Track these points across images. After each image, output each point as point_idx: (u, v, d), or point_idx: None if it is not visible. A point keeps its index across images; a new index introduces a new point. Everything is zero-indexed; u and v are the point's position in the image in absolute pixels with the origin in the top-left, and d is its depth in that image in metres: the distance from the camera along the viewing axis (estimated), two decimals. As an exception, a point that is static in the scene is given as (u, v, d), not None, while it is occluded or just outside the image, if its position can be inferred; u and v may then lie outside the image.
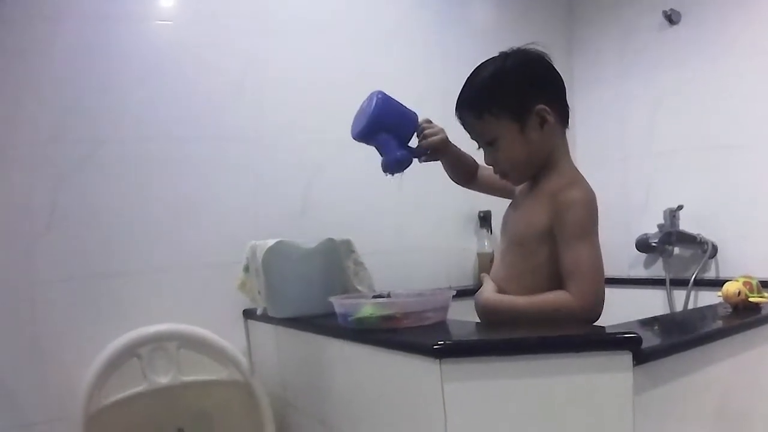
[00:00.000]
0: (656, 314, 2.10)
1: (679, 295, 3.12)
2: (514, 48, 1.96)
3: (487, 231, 3.44)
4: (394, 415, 1.77)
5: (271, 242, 2.26)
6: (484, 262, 3.32)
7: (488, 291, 1.95)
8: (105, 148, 2.52)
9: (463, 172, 2.28)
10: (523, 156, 1.91)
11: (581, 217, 1.79)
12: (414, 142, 2.09)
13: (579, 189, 1.84)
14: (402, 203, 3.13)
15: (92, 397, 2.28)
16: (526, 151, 1.90)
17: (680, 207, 3.16)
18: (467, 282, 3.41)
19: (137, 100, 2.60)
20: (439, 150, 2.13)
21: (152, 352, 2.41)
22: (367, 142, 2.05)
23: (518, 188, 2.13)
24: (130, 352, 2.37)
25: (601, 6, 3.75)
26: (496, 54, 1.96)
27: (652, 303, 3.18)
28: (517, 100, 1.87)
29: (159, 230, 2.61)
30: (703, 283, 3.05)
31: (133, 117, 2.59)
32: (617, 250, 3.36)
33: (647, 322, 1.86)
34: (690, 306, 3.06)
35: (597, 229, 1.82)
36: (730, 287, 2.01)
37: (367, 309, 1.82)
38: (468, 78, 1.98)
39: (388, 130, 2.01)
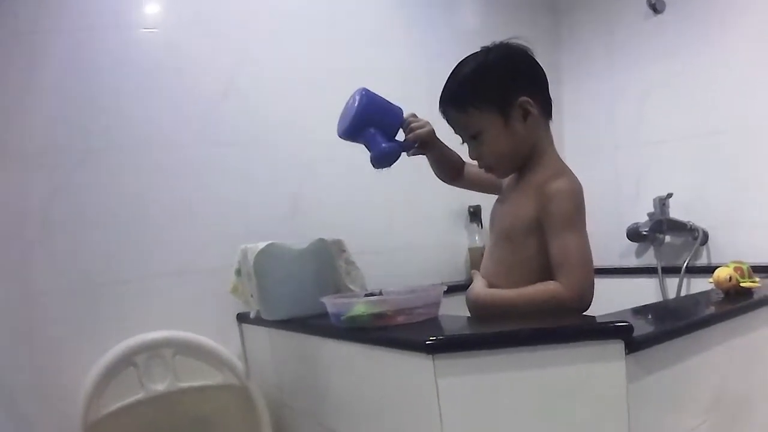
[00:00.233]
0: (648, 302, 2.10)
1: (672, 282, 3.12)
2: (497, 42, 1.97)
3: (478, 225, 3.45)
4: (390, 412, 1.77)
5: (262, 245, 2.25)
6: (476, 257, 3.33)
7: (479, 286, 1.96)
8: (96, 157, 2.51)
9: (449, 169, 2.28)
10: (507, 149, 1.93)
11: (567, 207, 1.80)
12: (401, 137, 2.09)
13: (564, 180, 1.84)
14: (391, 201, 3.13)
15: (90, 406, 2.27)
16: (510, 144, 1.92)
17: (670, 195, 3.17)
18: (459, 277, 3.42)
19: (127, 108, 2.60)
20: (427, 142, 2.12)
21: (148, 359, 2.40)
22: (354, 140, 2.05)
23: (505, 182, 2.14)
24: (127, 360, 2.36)
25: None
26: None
27: (645, 292, 3.18)
28: (499, 93, 1.89)
29: (151, 237, 2.60)
30: (694, 270, 3.06)
31: (123, 125, 2.58)
32: (608, 240, 3.37)
33: (639, 311, 1.86)
34: (682, 293, 3.06)
35: (584, 219, 1.82)
36: (721, 273, 2.02)
37: (359, 308, 1.81)
38: (451, 73, 1.99)
39: (374, 125, 2.01)
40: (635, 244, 3.46)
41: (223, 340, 2.60)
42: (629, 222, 3.35)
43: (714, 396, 1.81)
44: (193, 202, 2.70)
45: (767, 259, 2.67)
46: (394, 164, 2.03)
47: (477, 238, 3.44)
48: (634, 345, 1.44)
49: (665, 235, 3.28)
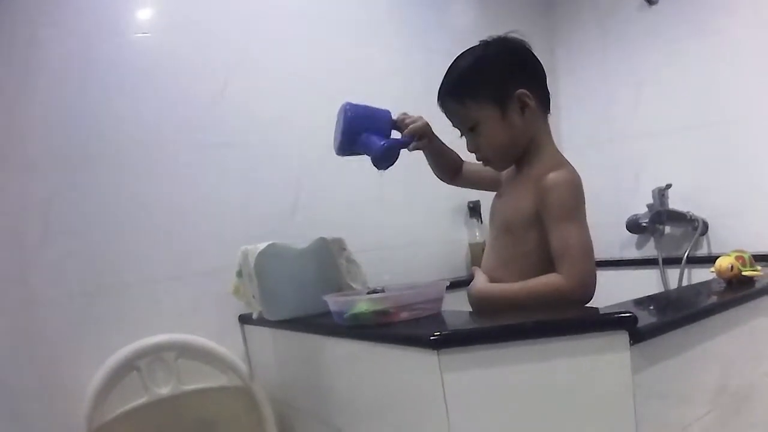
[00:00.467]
0: (650, 294, 2.10)
1: (673, 273, 3.13)
2: (494, 36, 1.98)
3: (478, 221, 3.45)
4: (395, 409, 1.77)
5: (262, 246, 2.25)
6: (476, 252, 3.34)
7: (480, 282, 1.96)
8: (93, 161, 2.49)
9: (448, 167, 2.29)
10: (505, 141, 1.94)
11: (566, 198, 1.80)
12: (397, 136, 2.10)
13: (563, 171, 1.85)
14: (391, 199, 3.13)
15: (94, 412, 2.27)
16: (507, 136, 1.93)
17: (669, 186, 3.17)
18: (460, 273, 3.40)
19: (123, 112, 2.57)
20: (424, 135, 2.12)
21: (151, 363, 2.40)
22: (352, 151, 2.06)
23: (504, 177, 2.15)
24: (129, 365, 2.36)
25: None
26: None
27: (646, 283, 3.19)
28: (497, 85, 1.90)
29: (150, 240, 2.58)
30: (695, 261, 3.06)
31: (119, 129, 2.56)
32: (608, 233, 3.37)
33: (642, 302, 1.86)
34: (684, 284, 3.07)
35: (584, 209, 1.83)
36: (722, 262, 2.01)
37: (362, 305, 1.81)
38: (450, 66, 2.00)
39: (366, 132, 2.01)
40: (635, 236, 3.46)
41: (225, 342, 2.58)
42: (628, 214, 3.36)
43: (719, 385, 1.80)
44: (192, 205, 2.68)
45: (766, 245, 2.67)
46: (396, 163, 2.03)
47: (477, 233, 3.44)
48: (638, 336, 1.44)
49: (665, 226, 3.29)
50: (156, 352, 2.41)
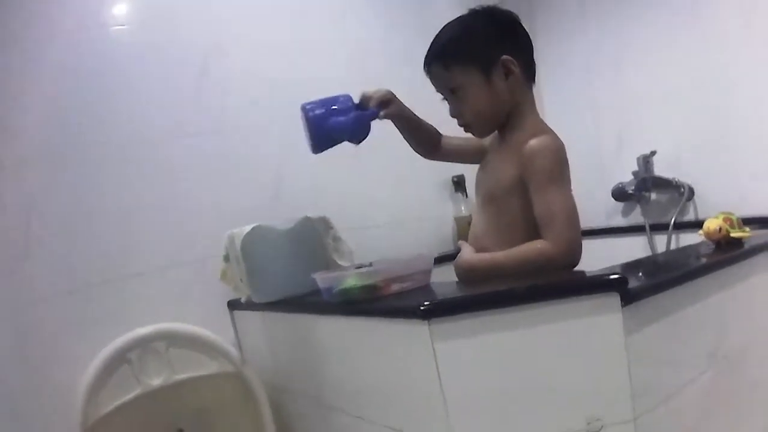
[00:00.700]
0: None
1: (660, 239, 3.12)
2: (483, 6, 2.00)
3: (463, 195, 3.46)
4: (389, 383, 1.76)
5: (248, 228, 2.25)
6: (463, 227, 3.33)
7: (467, 253, 1.97)
8: (77, 159, 2.49)
9: (425, 139, 2.30)
10: (487, 106, 1.95)
11: (549, 164, 1.81)
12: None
13: (545, 137, 1.85)
14: (374, 178, 3.13)
15: (88, 408, 2.26)
16: (490, 101, 1.94)
17: (653, 153, 3.15)
18: (447, 248, 3.40)
19: (101, 107, 2.56)
20: (389, 101, 2.12)
21: (142, 355, 2.39)
22: (328, 143, 2.07)
23: (487, 148, 2.15)
24: (120, 358, 2.35)
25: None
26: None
27: (634, 250, 3.17)
28: (483, 50, 1.91)
29: (136, 233, 2.58)
30: (682, 226, 3.05)
31: (99, 123, 2.56)
32: (594, 202, 3.36)
33: (631, 265, 1.87)
34: (672, 249, 3.06)
35: (568, 175, 1.83)
36: (710, 224, 2.01)
37: (350, 280, 1.80)
38: (438, 32, 2.02)
39: (331, 128, 2.02)
40: (621, 204, 3.44)
41: (215, 329, 2.58)
42: (614, 182, 3.34)
43: (712, 346, 1.80)
44: (175, 194, 2.68)
45: (754, 210, 2.66)
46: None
47: (463, 207, 3.44)
48: (629, 297, 1.43)
49: (651, 192, 3.27)
50: (146, 343, 2.40)
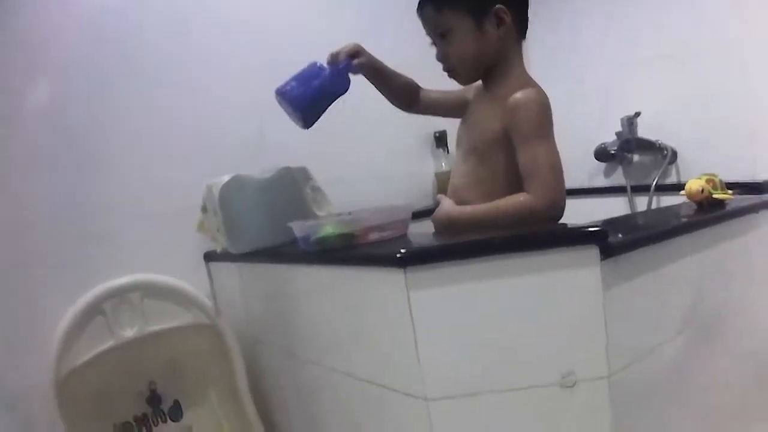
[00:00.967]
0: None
1: (641, 201, 3.12)
2: None
3: (444, 151, 3.44)
4: (363, 333, 1.75)
5: (226, 178, 2.23)
6: (443, 182, 3.30)
7: (448, 204, 1.97)
8: (57, 104, 2.44)
9: (402, 92, 2.29)
10: (473, 52, 1.93)
11: (534, 116, 1.80)
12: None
13: (531, 90, 1.84)
14: (356, 131, 3.09)
15: (62, 360, 2.23)
16: (477, 48, 1.92)
17: (638, 114, 3.14)
18: (427, 203, 3.35)
19: (91, 54, 2.52)
20: (358, 52, 2.12)
21: (117, 306, 2.36)
22: (317, 113, 2.07)
23: (470, 100, 2.14)
24: (95, 309, 2.32)
25: None
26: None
27: (615, 211, 3.14)
28: None
29: (112, 181, 2.54)
30: (664, 188, 3.05)
31: (86, 70, 2.51)
32: (576, 161, 3.32)
33: (612, 221, 1.86)
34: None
35: (551, 128, 1.83)
36: (693, 185, 2.01)
37: (328, 228, 1.79)
38: None
39: (310, 93, 2.02)
40: (603, 165, 3.43)
41: (191, 281, 2.55)
42: (597, 142, 3.33)
43: (689, 307, 1.80)
44: (155, 143, 2.64)
45: (737, 176, 2.66)
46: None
47: (444, 163, 3.43)
48: (609, 250, 1.42)
49: (634, 154, 3.26)
50: (121, 293, 2.37)
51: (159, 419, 2.49)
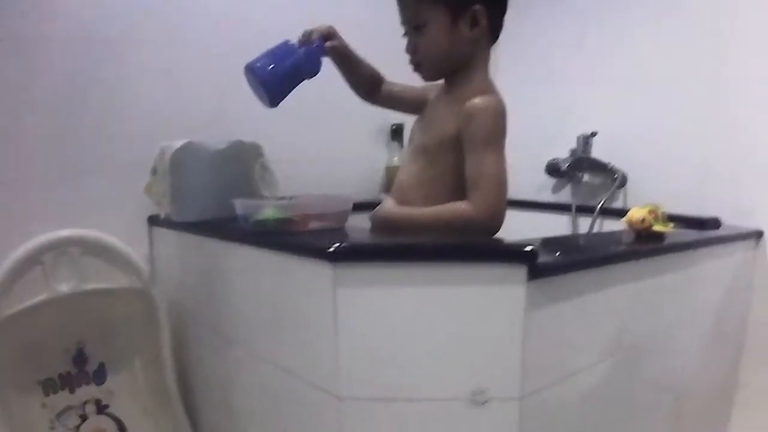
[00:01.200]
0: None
1: (585, 222, 3.15)
2: None
3: (399, 144, 3.43)
4: (286, 321, 1.74)
5: (180, 143, 2.22)
6: (392, 176, 3.23)
7: (389, 204, 1.98)
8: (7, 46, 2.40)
9: (366, 81, 2.29)
10: (443, 49, 1.93)
11: (488, 125, 1.79)
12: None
13: (489, 98, 1.83)
14: (314, 113, 3.07)
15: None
16: (447, 45, 1.92)
17: (594, 134, 3.16)
18: (372, 195, 3.40)
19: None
20: (331, 35, 2.12)
21: (56, 258, 2.32)
22: (285, 91, 2.04)
23: (429, 99, 2.13)
24: (34, 259, 2.28)
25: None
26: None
27: (557, 228, 3.21)
28: None
29: (62, 131, 2.50)
30: (609, 212, 3.07)
31: (48, 12, 2.45)
32: (526, 173, 3.35)
33: (548, 241, 1.88)
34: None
35: (503, 141, 1.82)
36: (634, 214, 2.03)
37: (268, 211, 1.80)
38: None
39: (280, 72, 2.00)
40: (553, 180, 3.46)
41: (132, 242, 2.49)
42: (550, 156, 3.35)
43: (613, 336, 1.83)
44: (111, 93, 2.59)
45: (684, 209, 2.70)
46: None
47: (396, 157, 3.42)
48: (536, 271, 1.43)
49: (584, 173, 3.29)
50: (62, 246, 2.33)
51: (82, 380, 2.46)
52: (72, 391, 2.41)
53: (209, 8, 2.85)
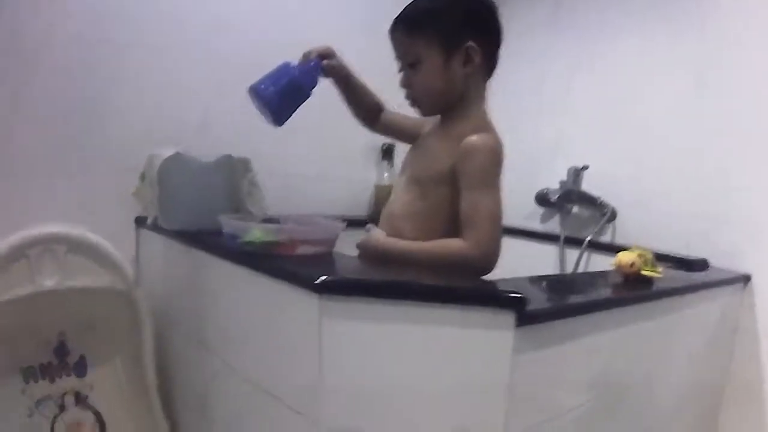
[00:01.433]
0: (547, 270, 2.11)
1: (571, 254, 3.15)
2: None
3: (389, 164, 3.43)
4: (272, 344, 1.73)
5: (168, 153, 2.22)
6: (381, 195, 3.31)
7: (378, 234, 1.96)
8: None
9: (365, 105, 2.29)
10: (438, 86, 1.92)
11: (485, 163, 1.79)
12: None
13: (486, 135, 1.83)
14: (305, 128, 3.04)
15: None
16: (442, 83, 1.92)
17: (585, 167, 3.17)
18: (361, 213, 3.41)
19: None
20: (329, 54, 2.11)
21: (41, 254, 2.31)
22: (289, 111, 2.06)
23: (424, 129, 2.14)
24: (20, 252, 2.27)
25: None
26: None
27: (544, 258, 3.20)
28: (451, 31, 1.88)
29: (56, 130, 2.49)
30: (597, 246, 3.08)
31: (47, 15, 2.43)
32: (516, 200, 3.32)
33: (536, 281, 1.88)
34: (581, 267, 3.09)
35: (499, 178, 1.82)
36: (623, 257, 2.03)
37: (255, 233, 1.78)
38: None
39: (282, 92, 2.00)
40: (542, 209, 3.46)
41: (118, 242, 2.47)
42: (540, 186, 3.36)
43: (598, 379, 1.83)
44: (105, 96, 2.58)
45: (670, 247, 2.71)
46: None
47: (386, 176, 3.42)
48: (525, 318, 1.43)
49: (574, 205, 3.29)
50: (47, 242, 2.32)
51: (63, 371, 2.44)
52: (52, 381, 2.40)
53: (206, 16, 2.84)
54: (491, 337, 1.42)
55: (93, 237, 2.37)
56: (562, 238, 3.20)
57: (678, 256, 2.64)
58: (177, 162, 2.22)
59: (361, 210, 3.42)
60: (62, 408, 2.39)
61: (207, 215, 2.11)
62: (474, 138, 1.80)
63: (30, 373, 2.35)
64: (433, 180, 1.90)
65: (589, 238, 3.05)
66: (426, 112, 2.06)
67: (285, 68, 2.02)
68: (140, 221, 2.61)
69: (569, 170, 3.21)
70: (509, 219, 3.15)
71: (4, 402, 2.29)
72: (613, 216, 3.12)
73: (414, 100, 2.01)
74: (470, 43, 1.87)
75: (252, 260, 1.78)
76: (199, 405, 2.23)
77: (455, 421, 1.46)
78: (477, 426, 1.46)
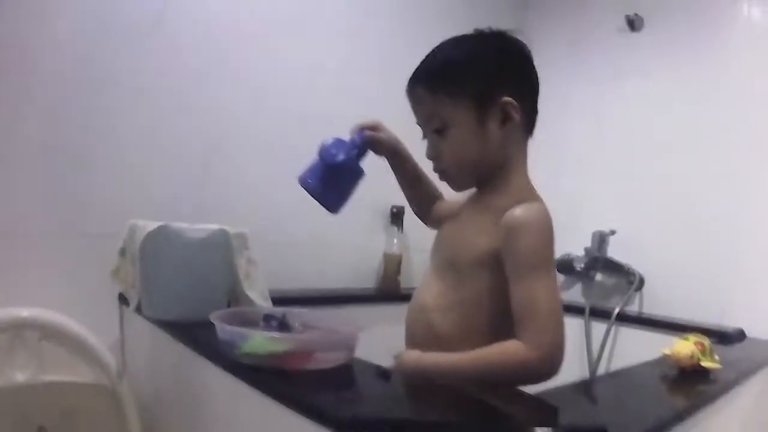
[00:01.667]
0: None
1: (597, 327, 2.99)
2: (491, 29, 1.70)
3: (398, 229, 3.24)
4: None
5: (153, 225, 1.98)
6: (391, 265, 3.17)
7: (415, 354, 1.62)
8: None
9: (422, 194, 2.02)
10: (473, 153, 1.65)
11: (537, 243, 1.52)
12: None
13: (534, 209, 1.57)
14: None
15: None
16: (478, 148, 1.64)
17: (612, 232, 3.04)
18: (369, 284, 3.23)
19: (40, 35, 2.28)
20: (376, 127, 1.86)
21: (10, 341, 2.10)
22: (339, 196, 1.85)
23: (458, 202, 1.85)
24: (-13, 338, 2.09)
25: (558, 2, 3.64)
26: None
27: (570, 334, 2.97)
28: (482, 86, 1.61)
29: (27, 189, 2.28)
30: (624, 318, 2.91)
31: (32, 50, 2.27)
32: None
33: (583, 389, 1.74)
34: (609, 342, 2.91)
35: (553, 259, 1.56)
36: (682, 349, 1.86)
37: (257, 342, 1.51)
38: (432, 50, 1.72)
39: (331, 180, 1.80)
40: (563, 277, 3.28)
41: (99, 323, 2.29)
42: (562, 250, 3.20)
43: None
44: (83, 151, 2.39)
45: (700, 314, 2.67)
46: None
47: (395, 242, 3.23)
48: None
49: (598, 272, 3.08)
50: (17, 328, 2.11)
51: (46, 469, 2.29)
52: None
53: (202, 61, 2.68)
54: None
55: (70, 324, 2.19)
56: (587, 310, 3.04)
57: (713, 328, 2.51)
58: (162, 236, 1.99)
59: (369, 281, 3.25)
60: None
61: (198, 302, 1.93)
62: (518, 212, 1.54)
63: (10, 472, 2.17)
64: (471, 264, 1.62)
65: (617, 310, 2.85)
66: (459, 186, 1.77)
67: (324, 152, 1.78)
68: (125, 299, 2.35)
69: (594, 234, 3.08)
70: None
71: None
72: (641, 284, 2.95)
73: (443, 172, 1.73)
74: (506, 98, 1.60)
75: (255, 376, 1.51)
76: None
77: None
78: None
